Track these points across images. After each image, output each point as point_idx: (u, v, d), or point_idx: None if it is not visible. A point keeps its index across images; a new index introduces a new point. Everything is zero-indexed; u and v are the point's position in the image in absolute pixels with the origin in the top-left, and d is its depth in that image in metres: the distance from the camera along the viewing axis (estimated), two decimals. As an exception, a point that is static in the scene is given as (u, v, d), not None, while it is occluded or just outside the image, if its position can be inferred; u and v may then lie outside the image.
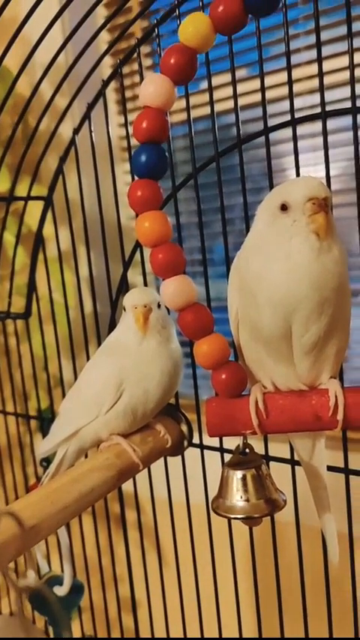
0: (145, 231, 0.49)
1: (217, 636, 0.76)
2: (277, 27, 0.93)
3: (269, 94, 0.88)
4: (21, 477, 1.07)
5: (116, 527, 0.87)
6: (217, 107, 0.63)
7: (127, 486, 0.80)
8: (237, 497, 0.51)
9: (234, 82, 0.59)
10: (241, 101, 0.60)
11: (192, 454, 0.71)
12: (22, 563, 1.12)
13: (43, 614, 0.86)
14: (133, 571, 0.86)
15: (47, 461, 0.84)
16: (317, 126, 0.80)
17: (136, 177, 0.50)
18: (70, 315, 0.83)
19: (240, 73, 1.00)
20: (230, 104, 0.60)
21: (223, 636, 0.76)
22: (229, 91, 0.60)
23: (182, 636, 0.79)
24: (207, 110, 0.61)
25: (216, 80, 0.77)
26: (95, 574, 0.92)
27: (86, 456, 0.70)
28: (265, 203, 0.48)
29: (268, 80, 0.88)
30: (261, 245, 0.47)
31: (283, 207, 0.45)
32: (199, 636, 0.78)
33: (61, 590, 0.83)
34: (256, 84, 0.59)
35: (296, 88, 0.89)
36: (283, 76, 0.57)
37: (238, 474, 0.51)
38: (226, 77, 0.97)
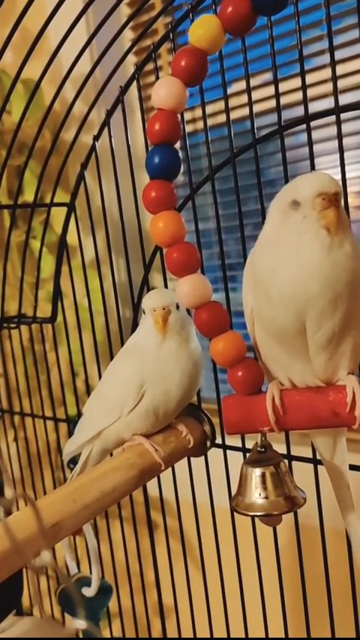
0: (160, 231, 0.50)
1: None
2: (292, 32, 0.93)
3: (284, 99, 0.89)
4: (57, 480, 1.08)
5: (149, 531, 0.88)
6: (232, 115, 0.63)
7: (153, 490, 0.81)
8: (256, 495, 0.50)
9: (247, 78, 0.60)
10: (256, 108, 0.60)
11: (215, 455, 0.71)
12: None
13: (73, 615, 0.87)
14: (161, 575, 0.86)
15: (74, 462, 0.86)
16: (343, 127, 0.80)
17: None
18: (97, 320, 0.84)
19: (254, 82, 1.00)
20: (245, 111, 0.60)
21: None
22: (243, 98, 0.60)
23: (209, 635, 0.79)
24: (223, 118, 0.61)
25: (229, 90, 0.79)
26: (125, 577, 0.92)
27: (111, 456, 0.71)
28: (277, 200, 0.48)
29: (283, 86, 0.89)
30: (272, 242, 0.47)
31: (294, 204, 0.45)
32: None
33: (89, 592, 0.84)
34: (270, 90, 0.60)
35: (311, 92, 0.90)
36: (297, 81, 0.57)
37: (257, 471, 0.51)
38: (240, 85, 0.98)
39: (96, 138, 0.75)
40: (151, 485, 0.78)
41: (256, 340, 0.53)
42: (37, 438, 1.04)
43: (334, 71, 0.55)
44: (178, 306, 0.62)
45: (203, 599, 0.78)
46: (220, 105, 0.64)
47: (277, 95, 0.58)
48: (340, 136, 0.55)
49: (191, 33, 0.48)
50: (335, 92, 0.55)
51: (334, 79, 0.55)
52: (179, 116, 0.51)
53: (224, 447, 0.71)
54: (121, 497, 0.59)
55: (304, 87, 0.57)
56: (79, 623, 0.28)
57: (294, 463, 0.66)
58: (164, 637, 0.87)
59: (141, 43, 1.10)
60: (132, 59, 1.15)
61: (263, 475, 0.51)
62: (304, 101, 0.57)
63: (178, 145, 0.51)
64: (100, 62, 0.69)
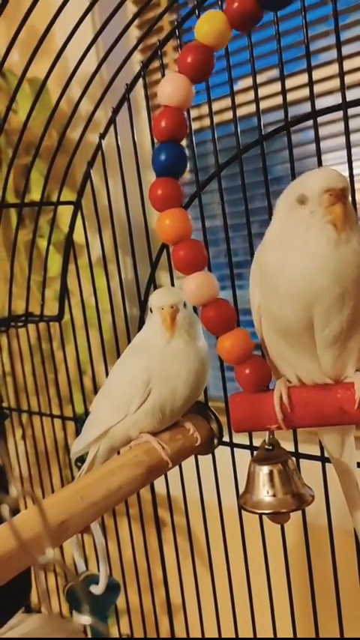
0: (166, 228, 0.50)
1: (252, 638, 0.75)
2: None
3: (292, 96, 0.88)
4: (65, 479, 1.08)
5: (157, 529, 0.88)
6: (240, 112, 0.63)
7: (161, 488, 0.81)
8: (264, 493, 0.50)
9: (254, 75, 0.59)
10: (264, 104, 0.60)
11: (223, 453, 0.71)
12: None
13: (81, 613, 0.87)
14: (169, 573, 0.86)
15: (82, 461, 0.86)
16: (351, 123, 0.80)
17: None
18: (104, 318, 0.84)
19: (261, 78, 1.00)
20: (252, 108, 0.60)
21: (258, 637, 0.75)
22: (250, 95, 0.60)
23: (217, 633, 0.79)
24: (230, 115, 0.61)
25: (237, 87, 0.77)
26: (133, 575, 0.93)
27: (119, 454, 0.71)
28: (284, 196, 0.48)
29: (290, 82, 0.89)
30: (279, 238, 0.47)
31: (301, 199, 0.45)
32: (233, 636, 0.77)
33: (97, 589, 0.84)
34: (276, 87, 0.59)
35: (318, 88, 0.90)
36: (303, 77, 0.57)
37: (265, 469, 0.51)
38: (247, 81, 0.98)
39: (102, 136, 0.75)
40: (159, 484, 0.78)
41: (263, 337, 0.52)
42: (45, 437, 1.05)
43: (341, 66, 0.54)
44: (185, 305, 0.62)
45: (211, 597, 0.78)
46: (227, 102, 0.63)
47: (284, 91, 0.58)
48: (347, 132, 0.55)
49: (197, 29, 0.48)
50: (342, 87, 0.54)
51: (341, 74, 0.54)
52: (185, 113, 0.50)
53: (232, 445, 0.71)
54: (128, 495, 0.59)
55: (310, 82, 0.56)
56: (84, 619, 0.28)
57: (302, 461, 0.65)
58: (172, 635, 0.87)
59: (147, 40, 1.10)
60: (139, 57, 1.15)
61: (271, 473, 0.51)
62: (311, 97, 0.57)
63: (184, 143, 0.51)
64: (105, 60, 0.68)
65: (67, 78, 0.71)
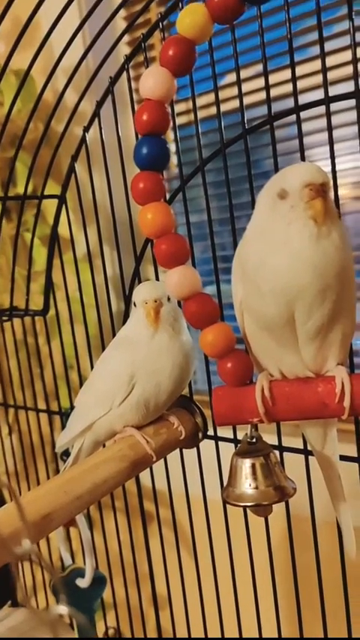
0: (148, 222, 0.50)
1: (237, 630, 0.76)
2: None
3: (277, 91, 0.88)
4: (51, 473, 1.08)
5: (142, 522, 0.88)
6: (225, 106, 0.63)
7: (146, 480, 0.82)
8: (246, 486, 0.51)
9: (237, 69, 0.59)
10: (248, 100, 0.59)
11: (208, 447, 0.71)
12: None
13: (69, 606, 0.87)
14: (155, 566, 0.87)
15: (68, 455, 0.86)
16: (338, 118, 0.80)
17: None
18: (89, 312, 0.84)
19: (246, 73, 1.00)
20: (237, 103, 0.60)
21: (244, 630, 0.76)
22: (234, 90, 0.60)
23: (202, 626, 0.80)
24: (215, 110, 0.61)
25: (223, 81, 0.76)
26: (119, 568, 0.93)
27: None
28: (264, 191, 0.48)
29: (275, 77, 0.89)
30: (260, 233, 0.47)
31: (282, 194, 0.45)
32: (218, 630, 0.78)
33: (83, 582, 0.84)
34: (261, 82, 0.59)
35: (303, 84, 0.90)
36: (288, 73, 0.57)
37: (247, 462, 0.51)
38: (232, 77, 0.98)
39: (86, 129, 0.75)
40: (145, 477, 0.78)
41: (245, 331, 0.53)
42: (31, 431, 1.04)
43: (323, 61, 0.54)
44: (169, 299, 0.62)
45: (197, 589, 0.79)
46: (212, 97, 0.63)
47: (267, 85, 0.58)
48: (329, 127, 0.55)
49: (179, 22, 0.48)
50: (325, 82, 0.54)
51: (324, 69, 0.54)
52: (170, 107, 0.50)
53: (216, 439, 0.71)
54: (112, 489, 0.59)
55: (293, 77, 0.56)
56: (62, 609, 0.28)
57: (285, 454, 0.66)
58: (158, 627, 0.88)
59: (134, 34, 1.09)
60: (126, 50, 1.14)
61: (253, 466, 0.51)
62: (294, 91, 0.57)
63: (171, 138, 0.51)
64: (90, 50, 0.68)
65: (44, 64, 0.71)
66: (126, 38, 1.14)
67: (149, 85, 0.49)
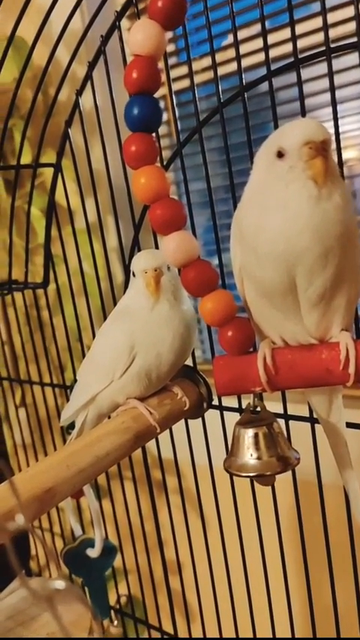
0: (142, 187, 0.48)
1: (246, 594, 0.76)
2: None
3: (277, 51, 0.84)
4: (60, 446, 1.09)
5: (158, 492, 0.88)
6: (224, 69, 0.60)
7: (153, 449, 0.81)
8: (248, 456, 0.50)
9: (234, 22, 0.56)
10: (248, 61, 0.56)
11: (213, 416, 0.70)
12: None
13: (79, 576, 0.89)
14: (164, 533, 0.87)
15: (73, 427, 0.86)
16: (342, 77, 0.76)
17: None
18: (91, 284, 0.82)
19: (244, 33, 0.96)
20: (234, 66, 0.57)
21: (252, 594, 0.76)
22: (233, 52, 0.57)
23: (212, 591, 0.81)
24: (210, 74, 0.58)
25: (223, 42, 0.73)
26: (128, 537, 0.94)
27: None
28: (262, 149, 0.45)
29: (275, 36, 0.84)
30: (258, 195, 0.44)
31: (280, 154, 0.42)
32: (227, 594, 0.79)
33: (93, 552, 0.85)
34: (260, 42, 0.56)
35: (303, 42, 0.86)
36: (288, 31, 0.54)
37: (250, 432, 0.50)
38: (231, 38, 0.93)
39: (79, 92, 0.72)
40: (152, 446, 0.77)
41: (246, 298, 0.51)
42: (37, 405, 1.04)
43: (323, 8, 0.51)
44: (169, 267, 0.60)
45: (205, 554, 0.79)
46: (211, 59, 0.60)
47: (265, 36, 0.55)
48: (331, 79, 0.52)
49: (168, -30, 0.45)
50: (325, 30, 0.51)
51: (324, 18, 0.51)
52: (164, 67, 0.48)
53: (221, 409, 0.70)
54: (116, 462, 0.58)
55: (292, 28, 0.53)
56: (58, 584, 0.27)
57: (291, 422, 0.65)
58: (168, 592, 0.89)
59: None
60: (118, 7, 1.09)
61: (256, 436, 0.50)
62: (294, 44, 0.54)
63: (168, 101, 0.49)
64: (78, 7, 0.64)
65: (43, 32, 0.68)
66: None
67: (138, 40, 0.46)
